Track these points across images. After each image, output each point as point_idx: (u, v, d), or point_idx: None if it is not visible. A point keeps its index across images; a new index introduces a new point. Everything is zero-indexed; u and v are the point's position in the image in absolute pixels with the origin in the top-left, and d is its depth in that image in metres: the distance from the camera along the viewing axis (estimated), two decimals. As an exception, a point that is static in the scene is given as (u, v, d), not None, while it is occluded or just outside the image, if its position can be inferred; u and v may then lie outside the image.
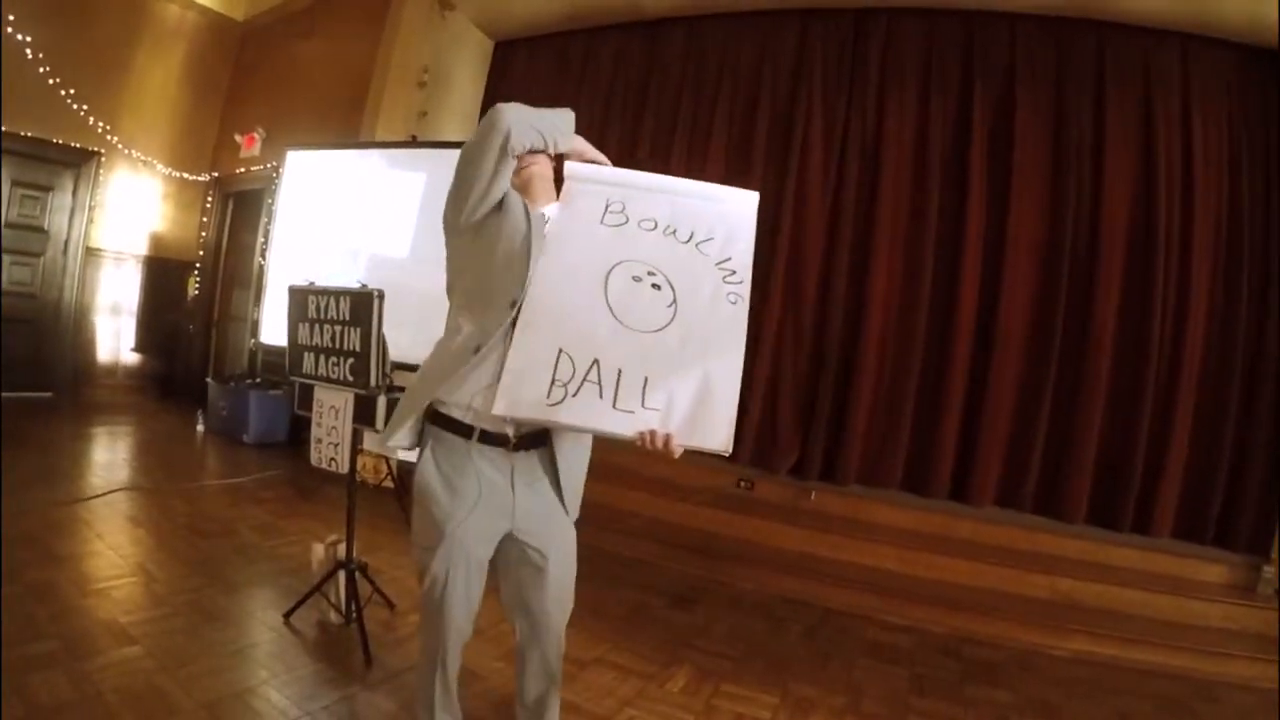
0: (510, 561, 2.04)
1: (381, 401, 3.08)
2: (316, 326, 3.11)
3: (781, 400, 5.57)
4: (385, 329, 3.00)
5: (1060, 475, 4.95)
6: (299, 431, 6.56)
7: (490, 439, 1.91)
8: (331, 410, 3.16)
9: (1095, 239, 4.98)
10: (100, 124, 7.47)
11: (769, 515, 4.93)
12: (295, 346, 3.23)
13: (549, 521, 2.01)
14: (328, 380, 3.12)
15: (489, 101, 7.17)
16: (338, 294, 3.04)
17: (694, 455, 1.81)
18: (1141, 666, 3.82)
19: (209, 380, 7.38)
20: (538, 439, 1.96)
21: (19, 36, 6.71)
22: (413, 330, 3.91)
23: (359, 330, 2.96)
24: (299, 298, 3.19)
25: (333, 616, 3.30)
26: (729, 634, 3.69)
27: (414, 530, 2.02)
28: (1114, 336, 4.91)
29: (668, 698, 2.99)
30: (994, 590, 4.33)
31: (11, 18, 6.61)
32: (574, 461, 2.03)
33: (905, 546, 4.61)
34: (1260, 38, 4.72)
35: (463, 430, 1.92)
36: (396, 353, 3.13)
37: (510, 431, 1.91)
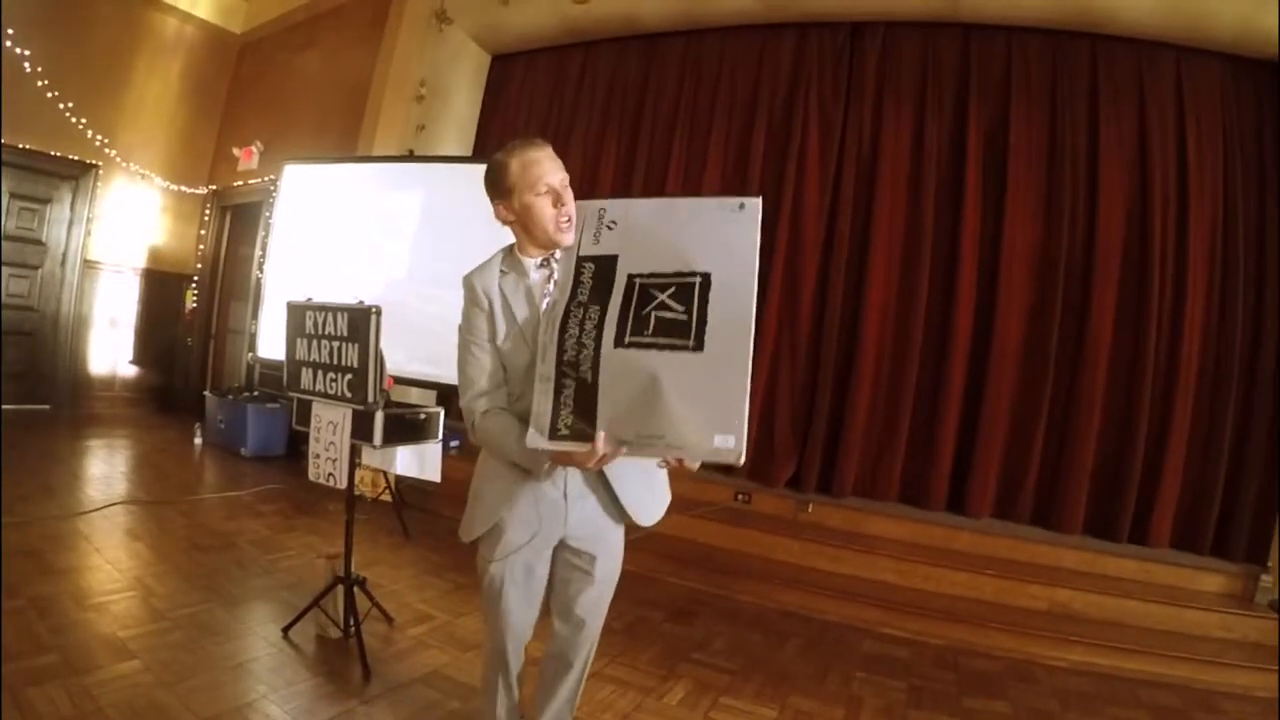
0: (560, 564, 2.16)
1: (379, 417, 3.09)
2: (314, 342, 3.12)
3: (778, 413, 5.59)
4: (382, 344, 3.01)
5: (1057, 486, 4.96)
6: (297, 445, 6.56)
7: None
8: (330, 426, 3.17)
9: (1090, 251, 5.00)
10: (98, 137, 7.50)
11: (767, 528, 4.93)
12: (293, 362, 3.23)
13: (599, 529, 2.11)
14: (325, 396, 3.13)
15: (486, 115, 7.21)
16: (335, 310, 3.04)
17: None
18: (1140, 677, 3.80)
19: (207, 393, 7.38)
20: None
21: (18, 50, 6.75)
22: (410, 346, 3.95)
23: (357, 346, 2.97)
24: (297, 314, 3.20)
25: (331, 631, 3.30)
26: (728, 647, 3.68)
27: (472, 529, 2.13)
28: (1110, 347, 4.92)
29: (666, 711, 2.98)
30: (992, 602, 4.33)
31: (10, 31, 6.64)
32: (625, 471, 2.05)
33: (903, 558, 4.60)
34: (1253, 49, 4.75)
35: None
36: (394, 368, 3.14)
37: None
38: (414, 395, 4.87)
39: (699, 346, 1.78)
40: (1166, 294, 4.88)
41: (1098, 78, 5.10)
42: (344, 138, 6.74)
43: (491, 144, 7.07)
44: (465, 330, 2.09)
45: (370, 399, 2.96)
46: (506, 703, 2.24)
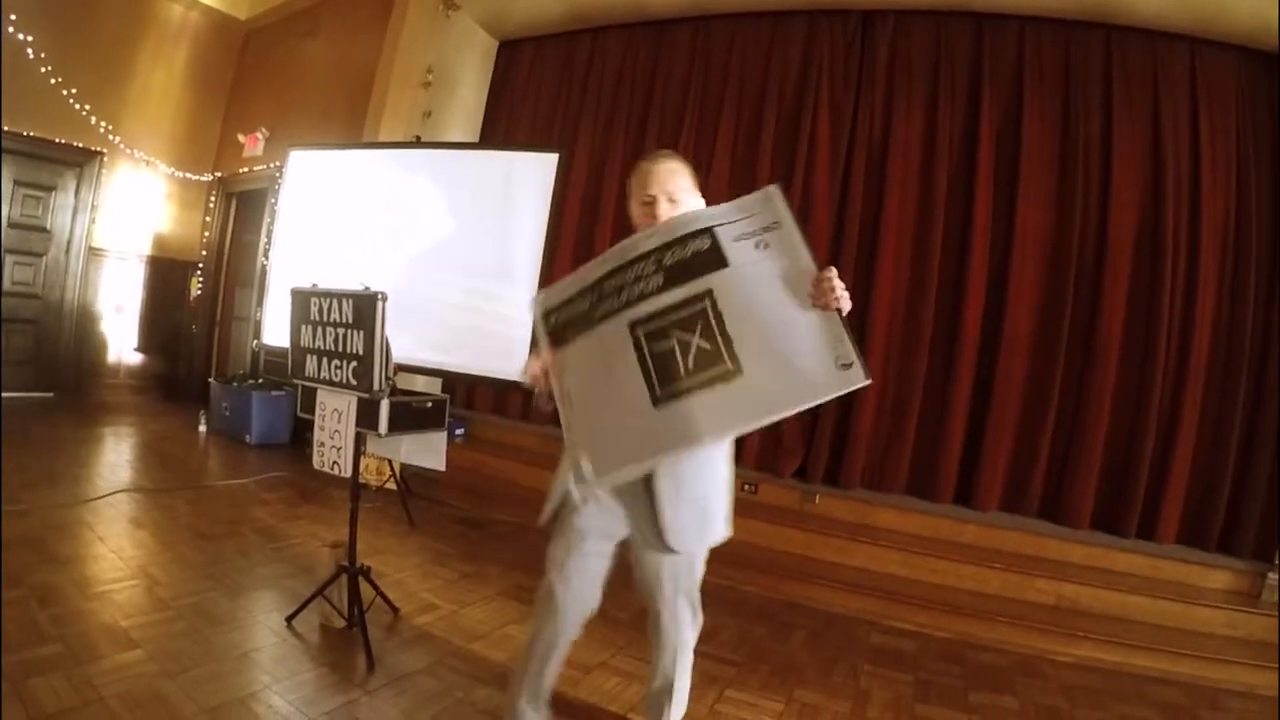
0: (635, 558, 2.32)
1: (384, 405, 3.06)
2: (319, 329, 3.09)
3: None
4: (388, 331, 2.98)
5: (1065, 480, 4.93)
6: (302, 432, 6.55)
7: None
8: (334, 413, 3.14)
9: (1102, 243, 4.96)
10: (102, 124, 7.47)
11: (773, 519, 4.90)
12: (298, 349, 3.21)
13: (652, 538, 2.18)
14: (330, 383, 3.10)
15: (494, 102, 7.17)
16: (340, 296, 3.01)
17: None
18: (1146, 673, 3.79)
19: (211, 381, 7.39)
20: None
21: (20, 36, 6.71)
22: (415, 332, 3.93)
23: (362, 333, 2.94)
24: (301, 300, 3.17)
25: (335, 620, 3.28)
26: (733, 638, 3.67)
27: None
28: (1120, 341, 4.89)
29: (671, 704, 2.97)
30: (999, 595, 4.31)
31: (13, 17, 6.61)
32: (676, 491, 2.13)
33: (910, 551, 4.58)
34: (1269, 42, 4.70)
35: None
36: (400, 355, 3.11)
37: None
38: (420, 383, 4.85)
39: (738, 370, 1.85)
40: (1178, 287, 4.84)
41: (1111, 69, 5.05)
42: (350, 124, 6.70)
43: (499, 131, 7.04)
44: None
45: (376, 386, 2.93)
46: (535, 695, 2.38)
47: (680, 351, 1.86)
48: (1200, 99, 4.90)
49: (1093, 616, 4.17)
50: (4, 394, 6.85)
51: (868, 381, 1.78)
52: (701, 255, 1.88)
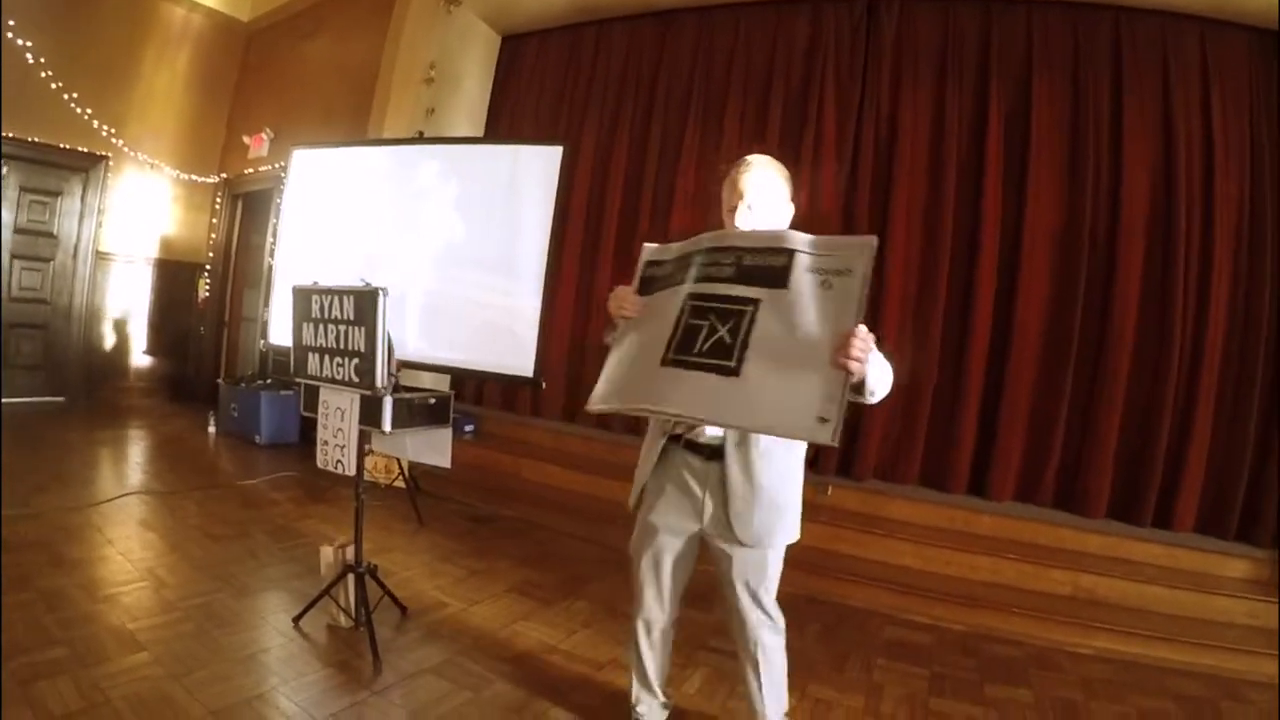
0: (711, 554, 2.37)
1: (388, 402, 3.04)
2: (321, 326, 3.07)
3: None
4: (392, 327, 2.96)
5: (1080, 469, 4.87)
6: (311, 432, 6.54)
7: (692, 447, 2.29)
8: (337, 412, 3.12)
9: (1114, 229, 4.89)
10: (105, 128, 7.48)
11: (785, 511, 4.85)
12: (300, 347, 3.19)
13: (729, 529, 2.24)
14: (333, 381, 3.08)
15: (498, 97, 7.14)
16: (341, 293, 2.99)
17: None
18: (1165, 665, 3.73)
19: (220, 382, 7.39)
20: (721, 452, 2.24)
21: (20, 42, 6.72)
22: (421, 328, 3.90)
23: (363, 329, 2.91)
24: (302, 297, 3.15)
25: (343, 620, 3.26)
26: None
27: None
28: (1134, 327, 4.82)
29: (684, 699, 2.94)
30: (1014, 586, 4.26)
31: (11, 22, 6.61)
32: (738, 479, 2.22)
33: (924, 543, 4.54)
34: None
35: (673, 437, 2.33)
36: (408, 352, 3.09)
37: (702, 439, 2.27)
38: (426, 380, 4.82)
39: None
40: (1192, 273, 4.76)
41: (1121, 52, 4.97)
42: (354, 123, 6.69)
43: (503, 125, 7.01)
44: None
45: (378, 383, 2.91)
46: (640, 670, 2.61)
47: (706, 333, 1.98)
48: (1212, 81, 4.82)
49: (1110, 607, 4.11)
50: (14, 400, 6.89)
51: (833, 444, 1.80)
52: (772, 270, 1.96)
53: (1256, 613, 4.04)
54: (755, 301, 1.95)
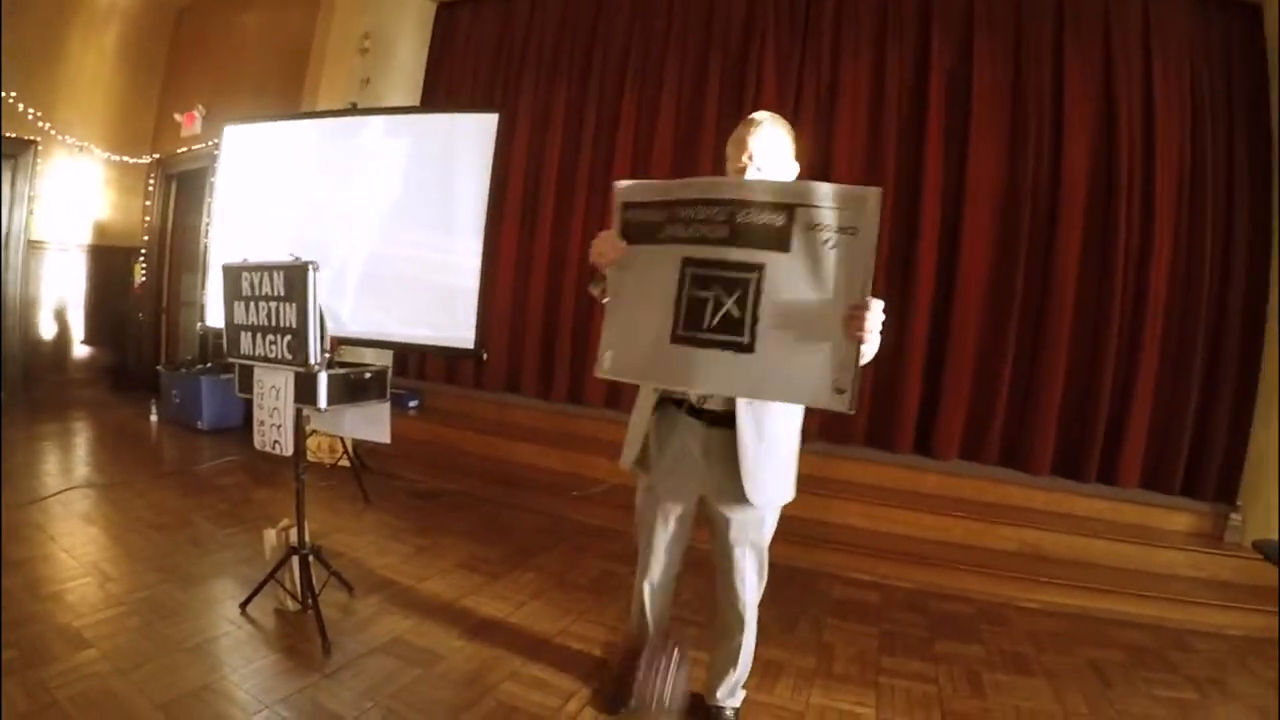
0: (709, 516, 2.44)
1: (323, 378, 2.97)
2: (252, 304, 2.99)
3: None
4: (331, 302, 2.90)
5: (1025, 427, 4.95)
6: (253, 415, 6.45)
7: (695, 413, 2.29)
8: (272, 390, 3.05)
9: (1056, 188, 4.93)
10: (32, 111, 7.20)
11: (730, 474, 4.87)
12: (232, 326, 3.10)
13: (732, 494, 2.27)
14: (266, 360, 3.00)
15: (433, 65, 7.01)
16: (271, 269, 2.91)
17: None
18: (1112, 616, 3.82)
19: (160, 368, 7.24)
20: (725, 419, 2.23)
21: (-65, 22, 6.43)
22: (357, 303, 3.82)
23: (294, 305, 2.84)
24: (232, 276, 3.06)
25: (290, 604, 3.21)
26: (694, 598, 3.62)
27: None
28: (1076, 286, 4.88)
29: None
30: (961, 544, 4.34)
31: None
32: (753, 448, 2.21)
33: (871, 502, 4.60)
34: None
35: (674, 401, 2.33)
36: (336, 326, 3.02)
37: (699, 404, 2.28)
38: (369, 356, 4.76)
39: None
40: (1133, 234, 4.83)
41: (1063, 12, 4.97)
42: (287, 96, 6.55)
43: (440, 94, 6.89)
44: None
45: (312, 359, 2.84)
46: (641, 617, 2.67)
47: (712, 308, 1.97)
48: (1154, 45, 4.84)
49: (1056, 562, 4.21)
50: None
51: (850, 412, 1.92)
52: (770, 230, 1.92)
53: (1200, 564, 4.17)
54: (759, 268, 1.92)
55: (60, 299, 7.91)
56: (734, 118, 5.39)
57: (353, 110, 4.91)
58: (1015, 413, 4.99)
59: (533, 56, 6.55)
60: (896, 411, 5.16)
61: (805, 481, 4.72)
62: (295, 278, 2.82)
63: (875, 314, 1.84)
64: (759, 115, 2.24)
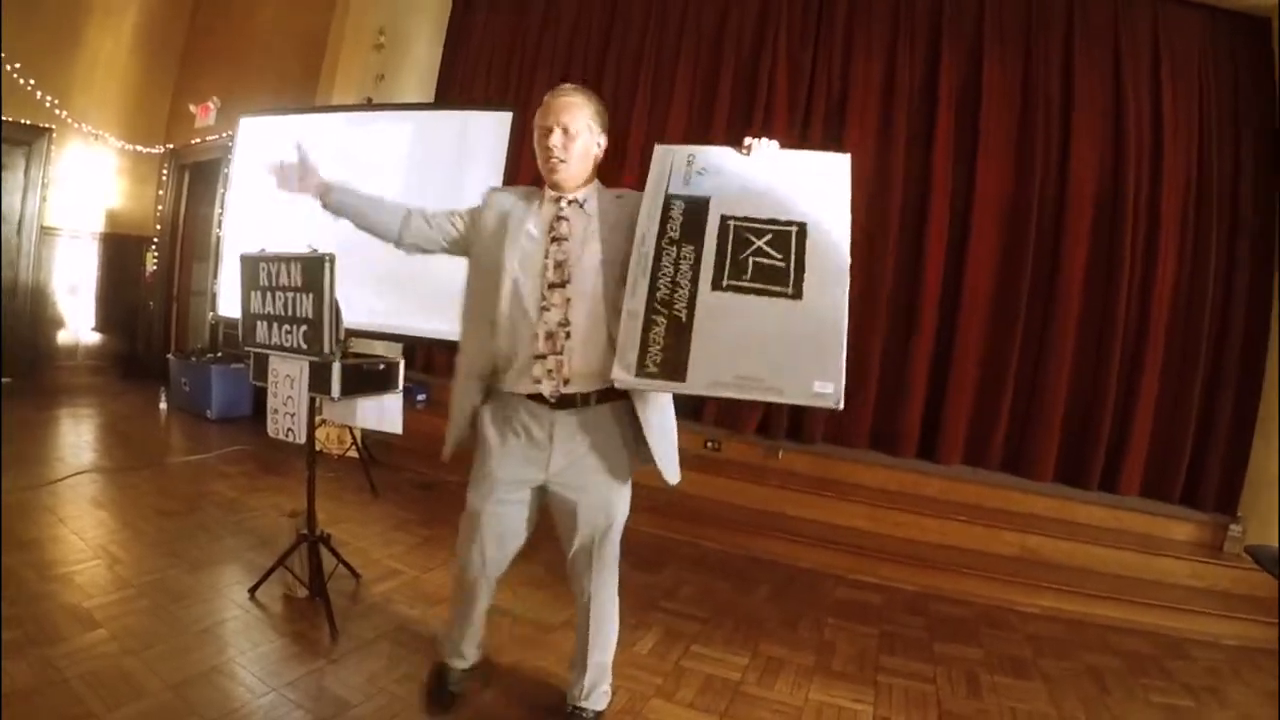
0: (551, 506, 2.34)
1: (336, 368, 3.02)
2: (269, 294, 3.03)
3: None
4: (342, 295, 2.94)
5: (1028, 434, 4.97)
6: (263, 405, 6.46)
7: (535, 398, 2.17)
8: (287, 379, 3.09)
9: (1063, 198, 4.96)
10: (49, 98, 7.25)
11: (737, 475, 4.91)
12: (248, 315, 3.15)
13: (583, 476, 2.24)
14: (282, 349, 3.05)
15: (448, 61, 7.02)
16: (289, 260, 2.95)
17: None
18: (1111, 623, 3.85)
19: (170, 356, 7.27)
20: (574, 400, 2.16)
21: (-44, 9, 6.48)
22: (367, 296, 3.87)
23: (311, 296, 2.88)
24: (250, 265, 3.10)
25: (298, 590, 3.25)
26: (697, 595, 3.68)
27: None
28: (1081, 295, 4.91)
29: (636, 660, 2.98)
30: (963, 548, 4.36)
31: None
32: (650, 421, 2.21)
33: (874, 505, 4.62)
34: (1231, 1, 4.71)
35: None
36: (359, 320, 3.07)
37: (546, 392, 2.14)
38: (379, 348, 4.80)
39: (798, 294, 1.91)
40: (1139, 243, 4.85)
41: (1073, 24, 5.00)
42: (302, 90, 6.56)
43: (454, 90, 6.91)
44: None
45: (327, 349, 2.88)
46: (461, 631, 2.56)
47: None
48: (1162, 56, 4.87)
49: (1056, 567, 4.23)
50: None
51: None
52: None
53: (1200, 574, 4.19)
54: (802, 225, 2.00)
55: (72, 285, 7.96)
56: (744, 120, 5.46)
57: (368, 105, 4.97)
58: (1019, 419, 5.01)
59: (546, 51, 6.55)
60: (900, 416, 5.18)
61: (808, 482, 4.82)
62: (313, 269, 2.86)
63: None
64: (559, 87, 2.28)
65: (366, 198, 2.43)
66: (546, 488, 2.27)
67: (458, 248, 2.37)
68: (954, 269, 5.13)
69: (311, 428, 3.19)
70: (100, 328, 8.22)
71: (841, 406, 1.88)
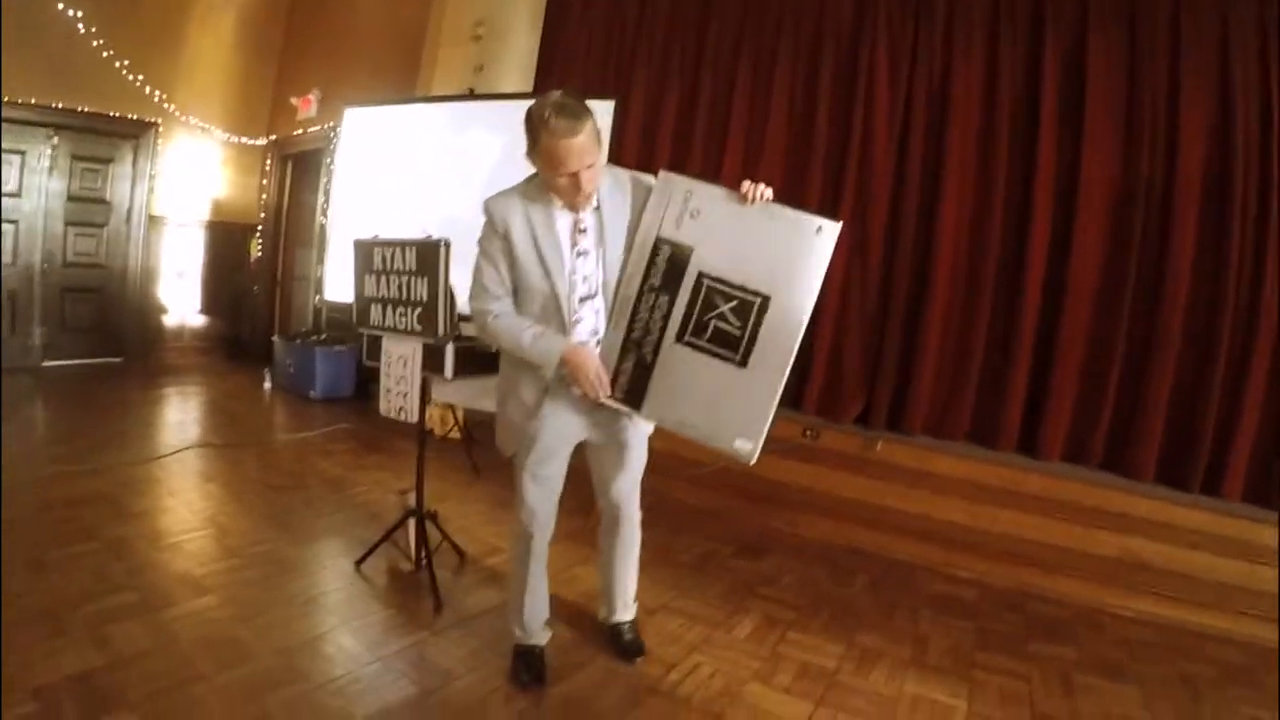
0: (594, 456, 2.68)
1: (449, 350, 3.11)
2: (383, 278, 3.14)
3: (847, 347, 5.45)
4: (457, 275, 3.02)
5: (1130, 431, 4.79)
6: (365, 386, 6.67)
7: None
8: (400, 360, 3.20)
9: (1170, 187, 4.75)
10: (157, 93, 7.59)
11: (835, 465, 4.89)
12: (362, 298, 3.27)
13: (617, 428, 2.56)
14: (395, 330, 3.15)
15: (546, 52, 7.07)
16: (404, 245, 3.06)
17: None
18: (1207, 631, 3.72)
19: (275, 339, 7.56)
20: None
21: (70, 12, 6.83)
22: (466, 282, 3.95)
23: (426, 280, 2.98)
24: (365, 250, 3.22)
25: (403, 564, 3.37)
26: (795, 583, 3.69)
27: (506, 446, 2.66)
28: (1188, 289, 4.70)
29: (734, 644, 3.01)
30: (1061, 546, 4.24)
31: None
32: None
33: (971, 499, 4.53)
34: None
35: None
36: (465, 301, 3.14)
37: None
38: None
39: (744, 363, 2.21)
40: (1248, 234, 4.62)
41: (1179, 13, 4.83)
42: (402, 82, 6.73)
43: (553, 79, 6.93)
44: (483, 245, 2.36)
45: (441, 332, 2.98)
46: (534, 589, 2.71)
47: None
48: (1270, 37, 4.67)
49: (1155, 571, 4.08)
50: (72, 361, 7.23)
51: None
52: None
53: (1302, 585, 4.01)
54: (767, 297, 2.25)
55: (179, 271, 8.32)
56: (846, 102, 5.39)
57: (469, 95, 5.06)
58: (1121, 417, 4.84)
59: (645, 41, 6.49)
60: (1001, 409, 5.04)
61: (906, 475, 4.78)
62: (428, 254, 2.96)
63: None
64: (559, 124, 2.08)
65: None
66: (588, 441, 2.60)
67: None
68: (1058, 258, 4.96)
69: (424, 407, 3.30)
70: (207, 311, 8.60)
71: (754, 462, 2.25)
